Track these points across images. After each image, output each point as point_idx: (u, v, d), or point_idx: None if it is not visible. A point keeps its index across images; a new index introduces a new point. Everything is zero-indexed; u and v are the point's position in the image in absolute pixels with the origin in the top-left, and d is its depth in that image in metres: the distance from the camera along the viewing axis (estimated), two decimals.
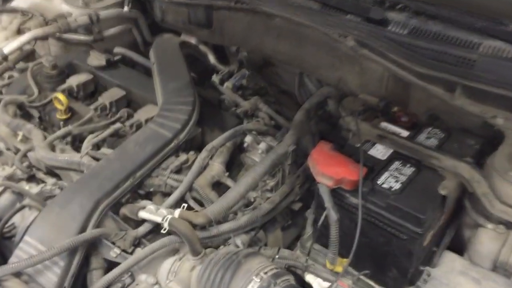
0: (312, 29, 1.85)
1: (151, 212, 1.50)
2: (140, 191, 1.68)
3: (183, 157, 1.71)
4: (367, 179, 1.45)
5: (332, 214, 1.46)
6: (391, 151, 1.57)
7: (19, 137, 1.85)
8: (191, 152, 1.74)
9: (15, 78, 2.18)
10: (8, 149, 1.93)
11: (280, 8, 1.97)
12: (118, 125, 1.84)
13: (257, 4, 2.05)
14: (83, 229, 1.45)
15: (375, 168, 1.50)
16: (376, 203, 1.42)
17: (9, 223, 1.73)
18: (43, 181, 1.77)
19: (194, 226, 1.46)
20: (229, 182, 1.68)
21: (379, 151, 1.57)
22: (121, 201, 1.60)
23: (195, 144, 1.82)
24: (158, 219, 1.47)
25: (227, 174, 1.70)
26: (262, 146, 1.78)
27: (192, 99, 1.84)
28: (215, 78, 2.18)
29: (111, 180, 1.54)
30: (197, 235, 1.44)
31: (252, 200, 1.64)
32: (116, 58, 2.26)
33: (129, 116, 1.92)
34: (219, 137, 1.77)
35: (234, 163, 1.80)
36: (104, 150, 1.75)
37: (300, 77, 2.26)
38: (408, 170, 1.50)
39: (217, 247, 1.52)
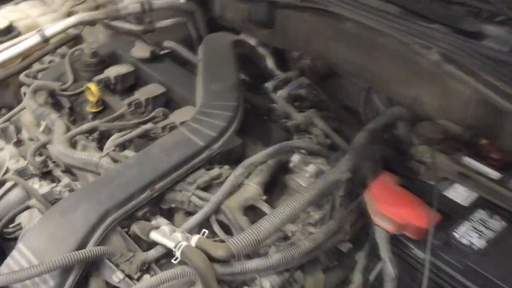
0: (389, 37, 1.55)
1: (164, 234, 1.24)
2: (163, 206, 1.42)
3: (215, 171, 1.43)
4: (440, 229, 1.11)
5: (389, 268, 1.14)
6: (475, 195, 1.22)
7: (42, 128, 1.65)
8: (226, 167, 1.46)
9: (53, 63, 2.01)
10: (31, 139, 1.74)
11: (353, 10, 1.68)
12: (149, 125, 1.60)
13: (327, 4, 1.77)
14: (83, 244, 1.21)
15: (452, 215, 1.16)
16: (450, 263, 1.09)
17: (16, 222, 1.53)
18: (59, 180, 1.55)
19: (213, 259, 1.17)
20: (265, 208, 1.39)
21: (459, 194, 1.23)
22: (136, 215, 1.34)
23: (233, 158, 1.54)
24: (170, 244, 1.20)
25: (264, 198, 1.41)
26: (311, 168, 1.47)
27: (235, 104, 1.57)
28: (269, 84, 1.90)
29: (125, 189, 1.29)
30: (215, 270, 1.16)
31: (290, 234, 1.33)
32: (163, 52, 2.04)
33: (165, 116, 1.67)
34: (261, 153, 1.48)
35: (276, 186, 1.50)
36: (128, 152, 1.50)
37: (368, 92, 1.94)
38: (497, 224, 1.15)
39: None
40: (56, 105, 1.84)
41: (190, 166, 1.40)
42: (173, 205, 1.40)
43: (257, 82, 2.01)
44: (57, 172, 1.59)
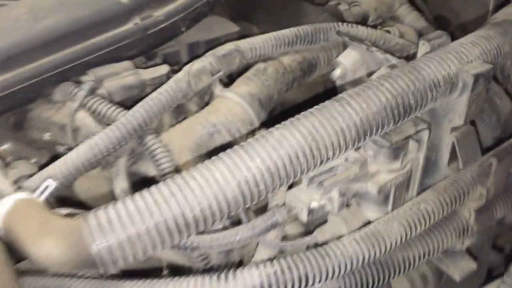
0: None
1: None
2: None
3: (159, 69, 0.63)
4: None
5: None
6: None
7: None
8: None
9: None
10: None
11: None
12: None
13: None
14: None
15: None
16: None
17: None
18: None
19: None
20: None
21: None
22: None
23: None
24: None
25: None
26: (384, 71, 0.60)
27: None
28: None
29: None
30: None
31: (305, 215, 0.49)
32: None
33: None
34: (267, 35, 0.65)
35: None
36: None
37: None
38: None
39: None
40: None
41: (85, 49, 0.60)
42: (47, 136, 0.61)
43: None
44: None
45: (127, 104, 0.63)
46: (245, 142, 0.43)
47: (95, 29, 0.61)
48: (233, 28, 0.78)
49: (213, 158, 0.41)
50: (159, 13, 0.64)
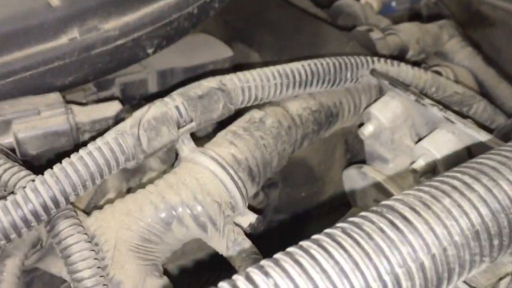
0: None
1: None
2: None
3: (109, 106, 0.42)
4: None
5: None
6: None
7: None
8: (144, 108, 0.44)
9: None
10: None
11: None
12: None
13: None
14: None
15: None
16: None
17: None
18: None
19: None
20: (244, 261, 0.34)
21: None
22: None
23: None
24: None
25: (250, 219, 0.37)
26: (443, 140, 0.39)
27: None
28: None
29: None
30: None
31: None
32: None
33: None
34: (264, 70, 0.43)
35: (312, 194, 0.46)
36: None
37: None
38: None
39: None
40: None
41: None
42: None
43: None
44: None
45: (49, 160, 0.42)
46: None
47: (8, 43, 0.41)
48: (226, 52, 0.57)
49: None
50: (111, 25, 0.43)
